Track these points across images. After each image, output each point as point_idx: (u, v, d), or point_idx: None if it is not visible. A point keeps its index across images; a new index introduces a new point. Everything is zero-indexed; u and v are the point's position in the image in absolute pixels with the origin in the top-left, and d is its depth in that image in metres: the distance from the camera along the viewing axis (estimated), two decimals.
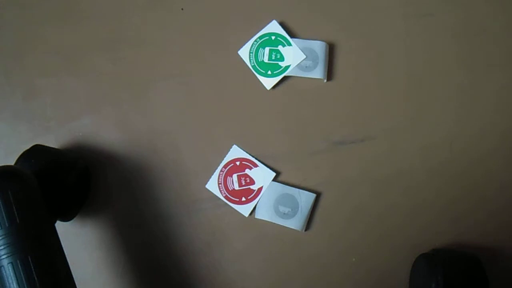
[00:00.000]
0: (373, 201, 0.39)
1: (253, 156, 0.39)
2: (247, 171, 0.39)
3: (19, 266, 0.28)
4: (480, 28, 0.41)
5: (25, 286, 0.28)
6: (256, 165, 0.39)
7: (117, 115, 0.41)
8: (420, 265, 0.36)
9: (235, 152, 0.40)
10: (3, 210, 0.29)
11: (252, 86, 0.40)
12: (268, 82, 0.40)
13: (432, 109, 0.40)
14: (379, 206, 0.39)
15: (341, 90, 0.40)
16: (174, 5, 0.42)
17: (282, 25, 0.40)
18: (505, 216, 0.38)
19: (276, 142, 0.40)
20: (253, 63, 0.40)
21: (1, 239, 0.28)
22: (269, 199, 0.38)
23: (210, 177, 0.39)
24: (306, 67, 0.39)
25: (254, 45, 0.40)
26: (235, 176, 0.39)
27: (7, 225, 0.28)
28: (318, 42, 0.40)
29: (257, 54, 0.40)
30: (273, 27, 0.40)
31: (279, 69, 0.40)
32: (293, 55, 0.40)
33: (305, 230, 0.39)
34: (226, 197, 0.39)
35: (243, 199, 0.39)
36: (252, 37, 0.40)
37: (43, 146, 0.37)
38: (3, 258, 0.28)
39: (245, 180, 0.39)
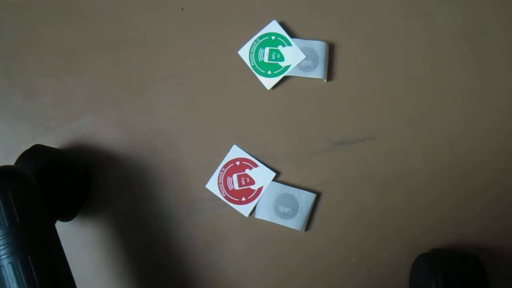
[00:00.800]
0: (373, 201, 0.39)
1: (253, 156, 0.39)
2: (247, 171, 0.39)
3: (19, 266, 0.28)
4: (480, 28, 0.41)
5: (25, 286, 0.28)
6: (256, 165, 0.39)
7: (117, 115, 0.41)
8: (420, 265, 0.36)
9: (235, 152, 0.40)
10: (3, 210, 0.29)
11: (252, 86, 0.40)
12: (268, 82, 0.40)
13: (432, 109, 0.40)
14: (379, 206, 0.39)
15: (341, 90, 0.40)
16: (174, 5, 0.42)
17: (282, 25, 0.40)
18: (505, 216, 0.38)
19: (276, 142, 0.40)
20: (253, 63, 0.40)
21: (1, 239, 0.28)
22: (269, 199, 0.38)
23: (210, 177, 0.39)
24: (306, 67, 0.39)
25: (254, 45, 0.40)
26: (235, 176, 0.39)
27: (7, 225, 0.28)
28: (318, 42, 0.40)
29: (257, 54, 0.40)
30: (273, 27, 0.40)
31: (279, 69, 0.40)
32: (293, 55, 0.40)
33: (305, 230, 0.39)
34: (226, 197, 0.39)
35: (243, 199, 0.39)
36: (252, 37, 0.40)
37: (43, 146, 0.37)
38: (3, 258, 0.28)
39: (245, 180, 0.39)
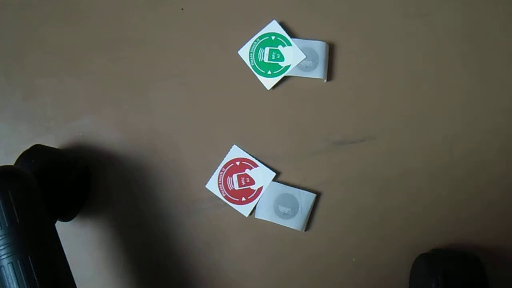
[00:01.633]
0: (373, 201, 0.39)
1: (253, 156, 0.39)
2: (247, 171, 0.39)
3: (19, 266, 0.28)
4: (480, 28, 0.41)
5: (25, 286, 0.28)
6: (256, 165, 0.39)
7: (117, 115, 0.41)
8: (420, 265, 0.36)
9: (235, 152, 0.40)
10: (3, 210, 0.29)
11: (252, 86, 0.40)
12: (268, 82, 0.40)
13: (432, 109, 0.40)
14: (379, 206, 0.39)
15: (341, 90, 0.40)
16: (174, 5, 0.42)
17: (282, 25, 0.40)
18: (505, 216, 0.38)
19: (276, 142, 0.40)
20: (253, 63, 0.40)
21: (1, 239, 0.28)
22: (269, 199, 0.38)
23: (210, 177, 0.39)
24: (306, 67, 0.39)
25: (254, 45, 0.40)
26: (235, 176, 0.39)
27: (7, 225, 0.28)
28: (318, 42, 0.40)
29: (257, 54, 0.40)
30: (273, 27, 0.40)
31: (279, 69, 0.40)
32: (293, 55, 0.40)
33: (305, 230, 0.39)
34: (226, 197, 0.39)
35: (243, 199, 0.39)
36: (252, 37, 0.40)
37: (43, 146, 0.37)
38: (3, 258, 0.28)
39: (245, 180, 0.39)
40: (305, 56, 0.39)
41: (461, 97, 0.40)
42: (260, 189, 0.39)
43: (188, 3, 0.42)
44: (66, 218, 0.37)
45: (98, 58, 0.42)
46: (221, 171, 0.39)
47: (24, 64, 0.42)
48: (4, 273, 0.28)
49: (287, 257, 0.39)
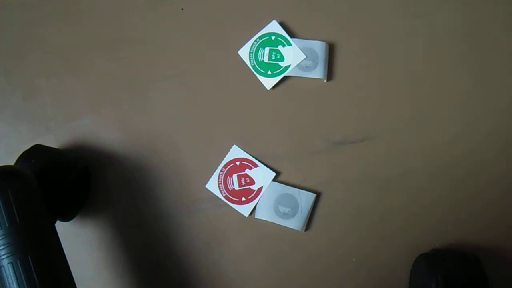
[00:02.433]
0: (373, 201, 0.39)
1: (253, 156, 0.39)
2: (247, 171, 0.39)
3: (19, 266, 0.28)
4: (480, 28, 0.41)
5: (25, 286, 0.28)
6: (256, 165, 0.39)
7: (117, 115, 0.41)
8: (420, 265, 0.36)
9: (235, 152, 0.40)
10: (3, 210, 0.29)
11: (252, 86, 0.40)
12: (268, 82, 0.40)
13: (432, 109, 0.40)
14: (379, 206, 0.39)
15: (341, 90, 0.40)
16: (174, 5, 0.42)
17: (282, 25, 0.40)
18: (505, 216, 0.38)
19: (276, 142, 0.40)
20: (253, 63, 0.40)
21: (1, 239, 0.28)
22: (269, 199, 0.38)
23: (210, 177, 0.39)
24: (306, 67, 0.39)
25: (254, 45, 0.40)
26: (235, 176, 0.39)
27: (7, 225, 0.28)
28: (318, 42, 0.40)
29: (257, 54, 0.40)
30: (273, 27, 0.40)
31: (279, 69, 0.40)
32: (293, 55, 0.40)
33: (305, 230, 0.39)
34: (226, 197, 0.39)
35: (243, 199, 0.39)
36: (252, 37, 0.40)
37: (43, 146, 0.37)
38: (3, 258, 0.28)
39: (245, 180, 0.39)
40: (305, 56, 0.39)
41: (461, 97, 0.40)
42: (260, 189, 0.39)
43: (188, 3, 0.42)
44: (66, 218, 0.37)
45: (98, 58, 0.42)
46: (221, 171, 0.39)
47: (24, 64, 0.42)
48: (4, 273, 0.28)
49: (287, 257, 0.39)
